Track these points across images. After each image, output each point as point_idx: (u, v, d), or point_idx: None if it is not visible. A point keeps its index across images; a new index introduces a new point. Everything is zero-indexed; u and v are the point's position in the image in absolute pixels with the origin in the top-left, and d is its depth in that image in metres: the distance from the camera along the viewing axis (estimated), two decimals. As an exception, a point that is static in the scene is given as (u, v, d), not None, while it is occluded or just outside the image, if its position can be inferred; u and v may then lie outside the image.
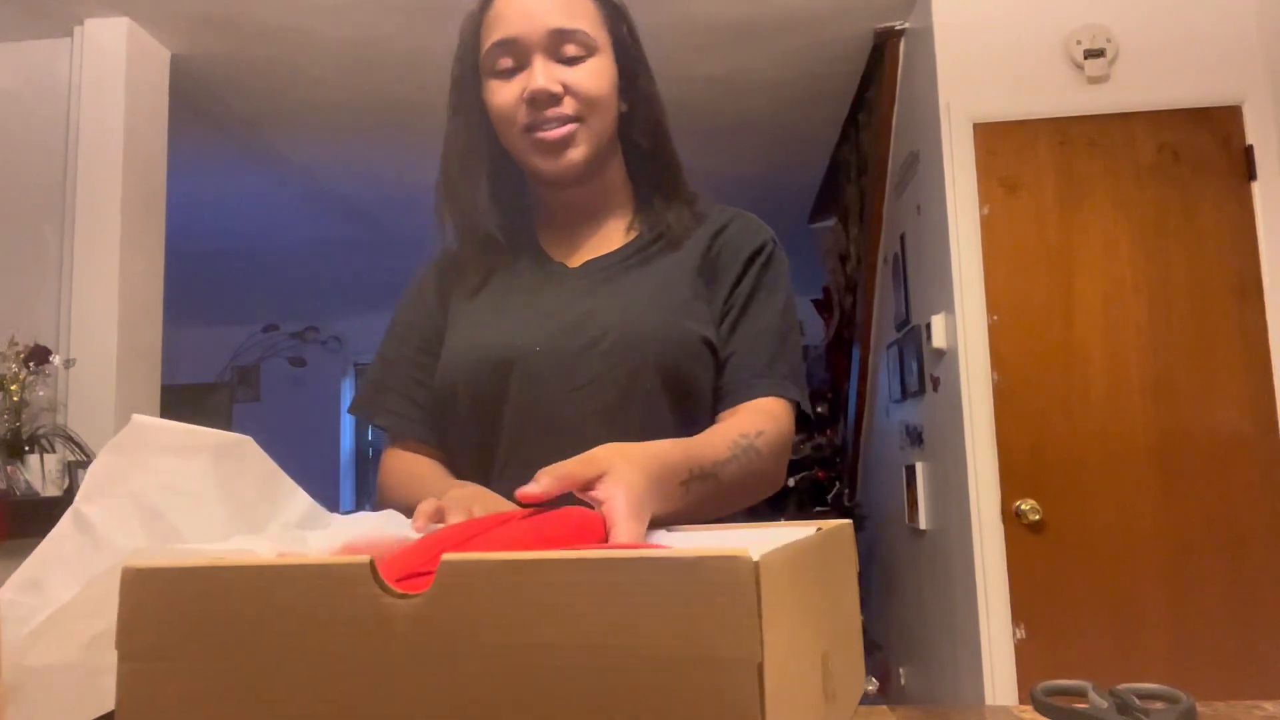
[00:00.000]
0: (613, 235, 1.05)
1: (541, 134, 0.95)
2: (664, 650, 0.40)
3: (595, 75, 0.96)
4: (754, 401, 0.96)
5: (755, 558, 0.40)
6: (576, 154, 0.96)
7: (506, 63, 0.96)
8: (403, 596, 0.43)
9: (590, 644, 0.40)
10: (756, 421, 0.92)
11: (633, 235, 1.04)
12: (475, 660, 0.42)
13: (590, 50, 0.96)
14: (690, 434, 0.89)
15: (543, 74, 0.94)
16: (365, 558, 0.44)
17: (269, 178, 4.59)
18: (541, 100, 0.94)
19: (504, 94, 0.96)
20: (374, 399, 1.08)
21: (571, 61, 0.95)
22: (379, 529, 0.63)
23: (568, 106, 0.95)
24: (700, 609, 0.39)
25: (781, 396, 0.97)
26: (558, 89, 0.94)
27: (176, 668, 0.45)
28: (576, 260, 1.04)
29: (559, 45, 0.95)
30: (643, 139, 1.03)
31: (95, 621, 0.52)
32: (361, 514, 0.62)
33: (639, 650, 0.40)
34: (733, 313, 1.00)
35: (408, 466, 1.04)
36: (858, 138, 4.00)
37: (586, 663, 0.40)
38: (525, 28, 0.94)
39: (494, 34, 0.96)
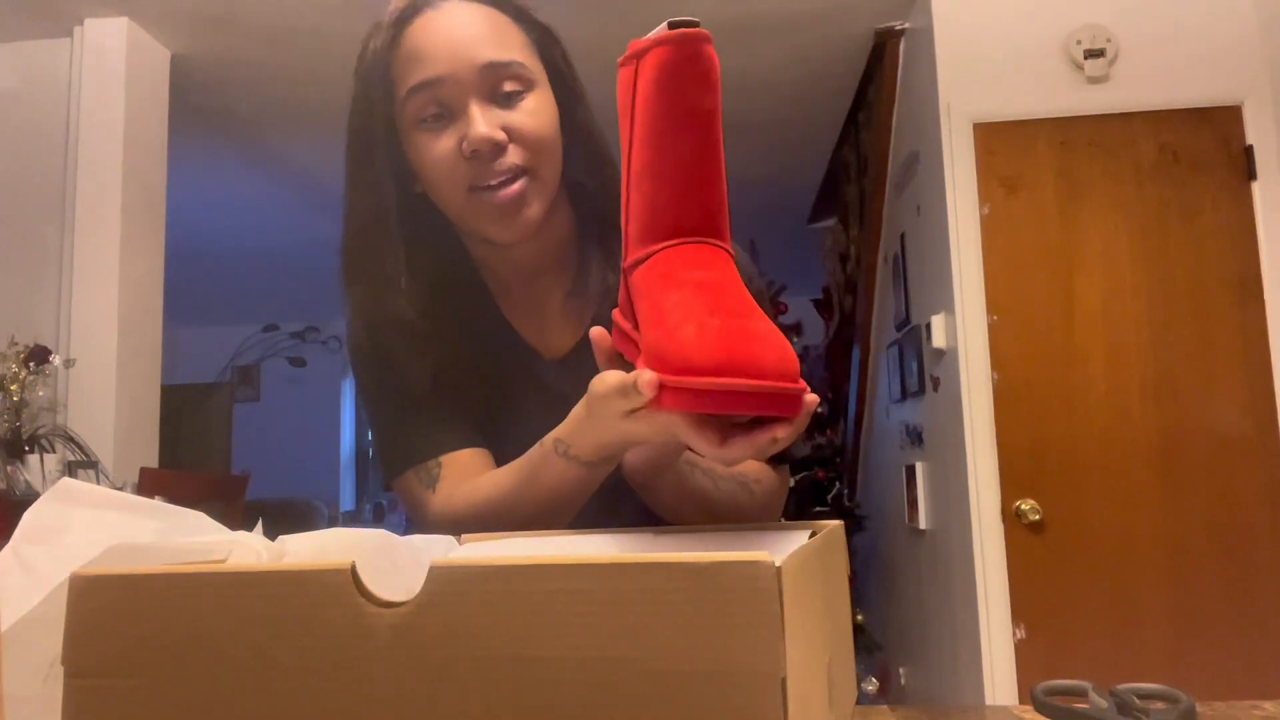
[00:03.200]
0: (566, 299, 0.94)
1: (493, 196, 0.81)
2: (674, 664, 0.36)
3: (538, 114, 0.83)
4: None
5: (777, 562, 0.36)
6: (532, 212, 0.83)
7: (432, 110, 0.81)
8: (387, 605, 0.39)
9: (592, 656, 0.37)
10: (754, 470, 0.89)
11: (588, 307, 0.92)
12: (465, 675, 0.38)
13: (528, 84, 0.83)
14: None
15: (482, 120, 0.79)
16: (347, 562, 0.40)
17: (269, 178, 4.59)
18: (485, 153, 0.80)
19: (437, 148, 0.81)
20: (409, 442, 0.89)
21: (509, 99, 0.81)
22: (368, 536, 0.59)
23: (514, 156, 0.81)
24: (716, 618, 0.36)
25: (775, 465, 0.92)
26: (501, 136, 0.80)
27: (132, 685, 0.40)
28: (545, 340, 0.94)
29: (494, 83, 0.81)
30: (585, 177, 0.89)
31: (46, 647, 0.46)
32: (348, 529, 0.58)
33: (646, 664, 0.36)
34: None
35: (483, 477, 0.86)
36: (858, 138, 4.00)
37: (588, 677, 0.37)
38: (451, 65, 0.80)
39: (413, 75, 0.81)
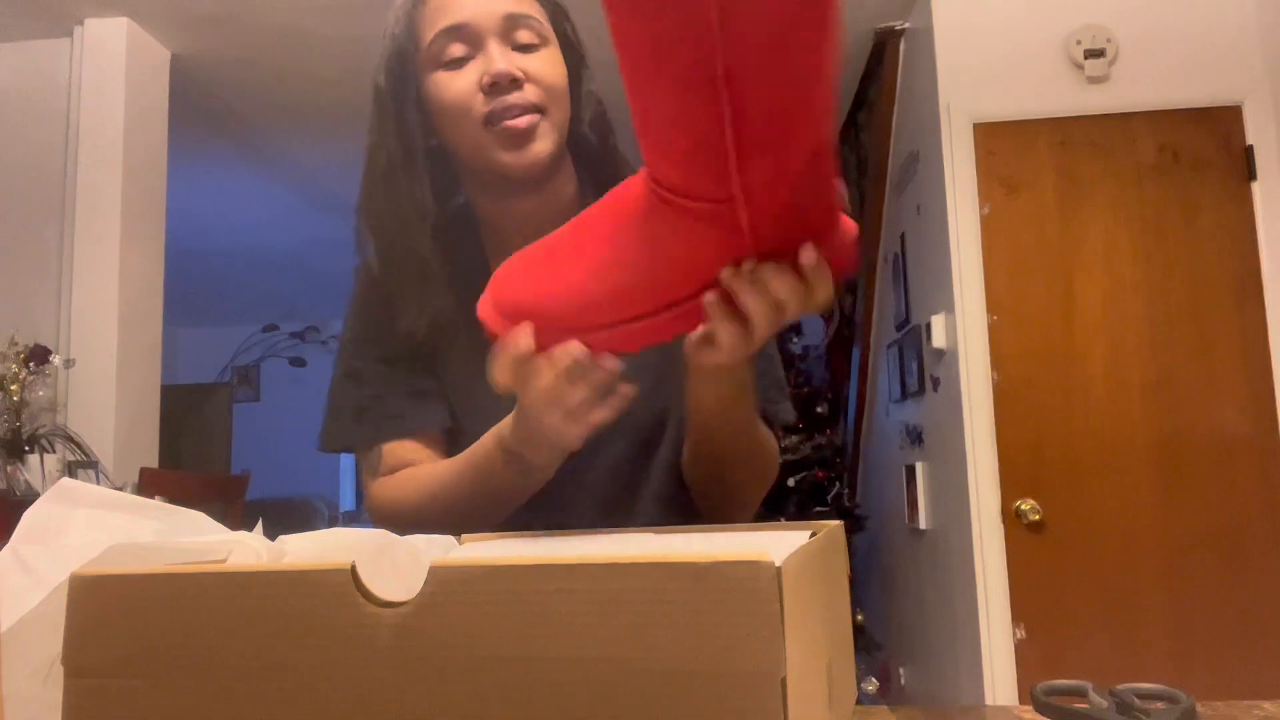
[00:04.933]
0: None
1: (507, 122, 0.86)
2: (675, 663, 0.36)
3: (552, 64, 0.90)
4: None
5: (777, 562, 0.36)
6: (542, 146, 0.88)
7: (457, 50, 0.87)
8: (387, 605, 0.39)
9: (592, 656, 0.37)
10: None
11: None
12: (466, 675, 0.38)
13: (543, 40, 0.90)
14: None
15: (501, 57, 0.86)
16: (347, 562, 0.40)
17: (269, 178, 4.59)
18: (503, 84, 0.85)
19: (456, 84, 0.87)
20: (353, 418, 0.94)
21: (526, 49, 0.88)
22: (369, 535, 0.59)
23: (530, 94, 0.87)
24: (716, 618, 0.36)
25: (776, 426, 0.97)
26: (518, 72, 0.86)
27: (132, 685, 0.40)
28: None
29: (512, 31, 0.88)
30: (591, 136, 0.96)
31: (46, 647, 0.46)
32: (348, 529, 0.58)
33: (646, 664, 0.36)
34: None
35: (422, 470, 0.90)
36: (858, 138, 4.00)
37: (588, 677, 0.37)
38: (476, 12, 0.87)
39: (439, 22, 0.88)
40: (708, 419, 0.83)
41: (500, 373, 0.66)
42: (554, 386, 0.65)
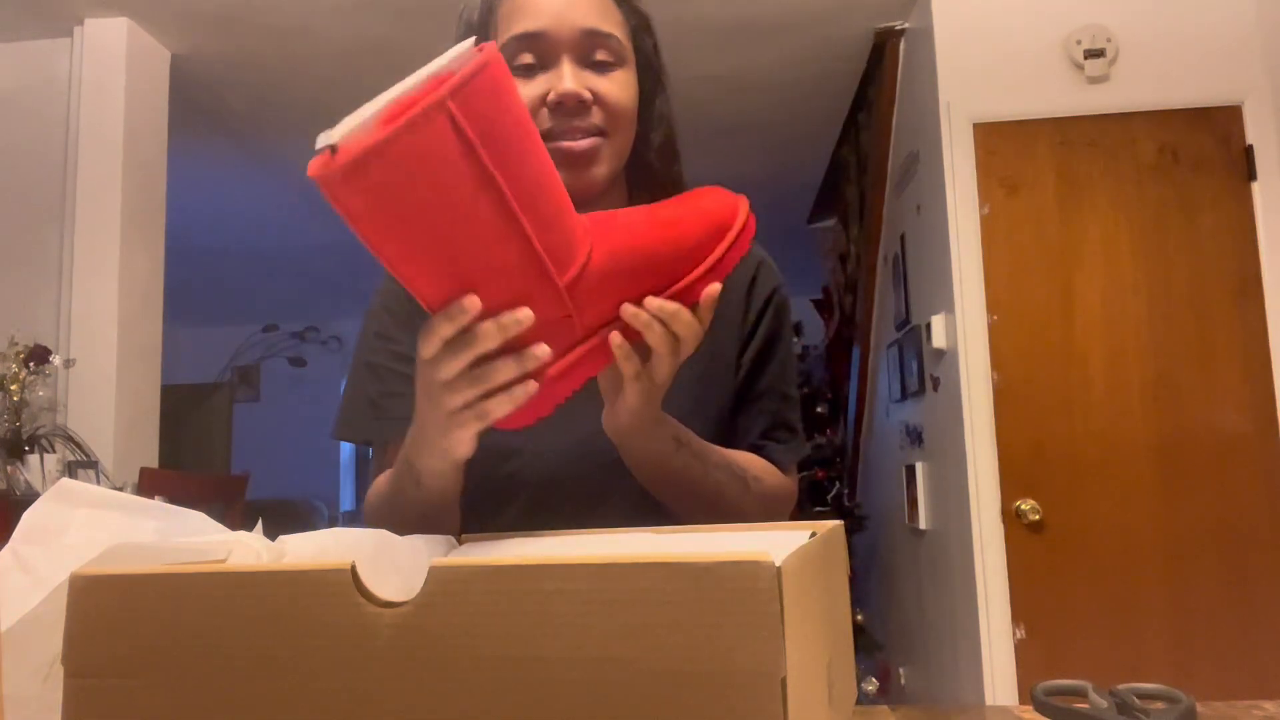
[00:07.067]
0: None
1: (566, 144, 0.83)
2: (674, 664, 0.36)
3: (624, 87, 0.86)
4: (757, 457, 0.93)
5: (777, 562, 0.36)
6: (600, 171, 0.85)
7: (527, 59, 0.84)
8: (388, 605, 0.39)
9: (592, 656, 0.37)
10: (758, 468, 0.92)
11: None
12: (466, 675, 0.38)
13: (620, 59, 0.86)
14: None
15: (572, 77, 0.83)
16: (347, 562, 0.40)
17: (269, 178, 4.59)
18: (569, 106, 0.83)
19: (524, 94, 0.83)
20: (368, 411, 0.92)
21: (600, 68, 0.85)
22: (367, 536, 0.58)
23: (595, 117, 0.84)
24: (716, 618, 0.36)
25: (785, 465, 0.96)
26: (587, 95, 0.83)
27: (132, 685, 0.40)
28: None
29: (589, 49, 0.84)
30: (656, 162, 0.93)
31: (46, 647, 0.46)
32: (348, 529, 0.58)
33: (646, 664, 0.36)
34: (744, 367, 0.96)
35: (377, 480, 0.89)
36: (858, 138, 4.00)
37: (588, 677, 0.37)
38: (554, 23, 0.83)
39: (516, 25, 0.84)
40: (644, 477, 0.83)
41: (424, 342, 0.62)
42: (437, 362, 0.61)
